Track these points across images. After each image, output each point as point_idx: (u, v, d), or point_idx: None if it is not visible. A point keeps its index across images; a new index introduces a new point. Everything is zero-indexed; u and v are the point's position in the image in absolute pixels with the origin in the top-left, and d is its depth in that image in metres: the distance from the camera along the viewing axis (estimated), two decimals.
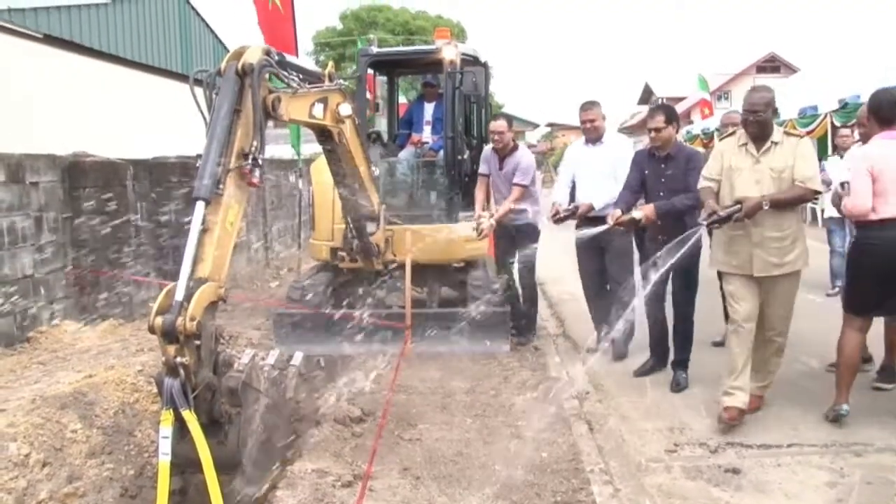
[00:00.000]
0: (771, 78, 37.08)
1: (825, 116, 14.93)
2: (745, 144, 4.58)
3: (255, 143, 4.11)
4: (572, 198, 6.30)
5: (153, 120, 12.01)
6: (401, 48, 10.24)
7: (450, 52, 7.21)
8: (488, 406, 5.22)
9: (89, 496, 3.70)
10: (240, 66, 4.10)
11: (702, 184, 4.78)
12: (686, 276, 5.44)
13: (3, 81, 9.99)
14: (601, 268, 6.28)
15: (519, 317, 6.91)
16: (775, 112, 4.60)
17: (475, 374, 6.01)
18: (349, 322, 6.41)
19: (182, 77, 3.85)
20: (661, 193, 5.41)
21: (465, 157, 7.56)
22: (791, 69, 41.75)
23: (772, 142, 4.52)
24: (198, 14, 15.26)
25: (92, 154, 7.05)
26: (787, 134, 4.60)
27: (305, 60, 34.60)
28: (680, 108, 50.26)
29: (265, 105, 4.28)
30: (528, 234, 6.68)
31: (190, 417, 3.42)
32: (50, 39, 10.73)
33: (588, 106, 6.22)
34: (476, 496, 3.81)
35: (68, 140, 8.77)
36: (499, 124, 6.61)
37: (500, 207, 6.58)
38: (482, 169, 6.93)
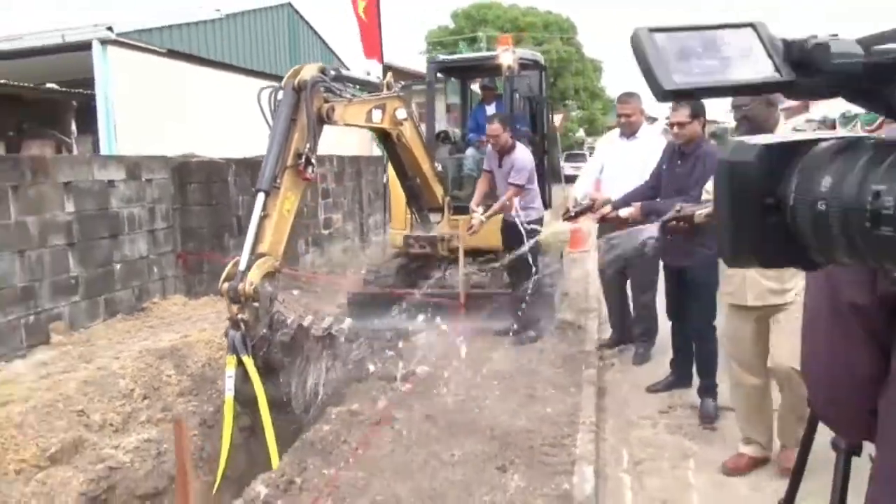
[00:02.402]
0: None
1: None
2: None
3: (308, 145, 5.07)
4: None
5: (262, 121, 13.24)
6: (465, 55, 11.07)
7: (507, 58, 7.98)
8: (517, 372, 5.99)
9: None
10: (296, 82, 5.08)
11: (704, 197, 3.98)
12: (698, 290, 4.90)
13: (134, 93, 11.53)
14: (622, 275, 6.33)
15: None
16: (772, 105, 3.88)
17: (518, 346, 6.77)
18: (412, 300, 7.30)
19: None
20: (673, 192, 4.77)
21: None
22: None
23: None
24: (306, 22, 16.63)
25: (198, 155, 8.28)
26: (797, 131, 4.01)
27: (418, 60, 35.96)
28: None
29: (319, 114, 5.24)
30: (531, 232, 6.68)
31: (248, 361, 4.42)
32: (172, 53, 12.29)
33: (625, 98, 6.26)
34: (477, 436, 4.62)
35: (190, 141, 10.08)
36: (493, 128, 6.70)
37: (495, 205, 6.84)
38: (485, 165, 7.19)
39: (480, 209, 6.91)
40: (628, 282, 6.51)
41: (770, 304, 3.79)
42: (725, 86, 0.78)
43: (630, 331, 6.63)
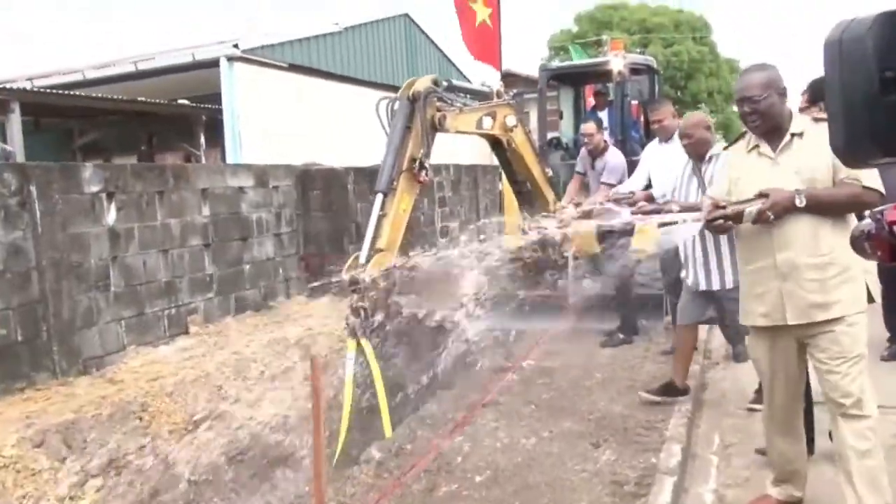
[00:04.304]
0: None
1: None
2: (756, 147, 3.47)
3: (422, 151, 5.86)
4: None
5: (380, 130, 14.26)
6: (574, 62, 11.65)
7: (617, 64, 8.58)
8: (619, 367, 6.55)
9: (301, 402, 5.62)
10: (410, 93, 5.88)
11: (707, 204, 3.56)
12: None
13: (258, 106, 12.80)
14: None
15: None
16: (783, 95, 3.39)
17: (624, 346, 7.32)
18: (524, 302, 7.96)
19: None
20: None
21: (639, 157, 8.83)
22: None
23: (791, 134, 3.36)
24: (423, 32, 17.69)
25: (319, 163, 9.28)
26: (817, 120, 3.33)
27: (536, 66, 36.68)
28: None
29: (432, 122, 6.02)
30: (626, 233, 6.87)
31: (366, 344, 5.21)
32: (293, 67, 13.56)
33: (656, 106, 6.93)
34: (574, 418, 5.24)
35: (311, 150, 11.15)
36: (587, 126, 7.41)
37: (585, 203, 7.03)
38: (578, 167, 7.80)
39: (571, 205, 7.47)
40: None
41: (814, 321, 3.31)
42: None
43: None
